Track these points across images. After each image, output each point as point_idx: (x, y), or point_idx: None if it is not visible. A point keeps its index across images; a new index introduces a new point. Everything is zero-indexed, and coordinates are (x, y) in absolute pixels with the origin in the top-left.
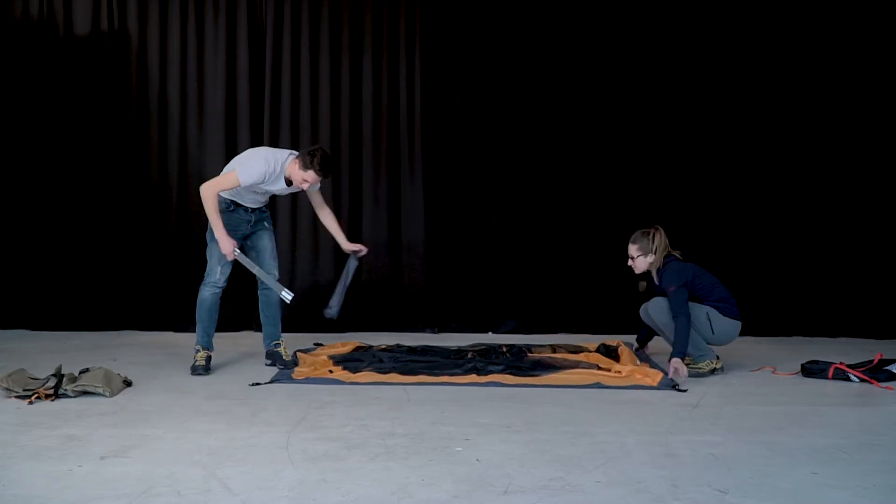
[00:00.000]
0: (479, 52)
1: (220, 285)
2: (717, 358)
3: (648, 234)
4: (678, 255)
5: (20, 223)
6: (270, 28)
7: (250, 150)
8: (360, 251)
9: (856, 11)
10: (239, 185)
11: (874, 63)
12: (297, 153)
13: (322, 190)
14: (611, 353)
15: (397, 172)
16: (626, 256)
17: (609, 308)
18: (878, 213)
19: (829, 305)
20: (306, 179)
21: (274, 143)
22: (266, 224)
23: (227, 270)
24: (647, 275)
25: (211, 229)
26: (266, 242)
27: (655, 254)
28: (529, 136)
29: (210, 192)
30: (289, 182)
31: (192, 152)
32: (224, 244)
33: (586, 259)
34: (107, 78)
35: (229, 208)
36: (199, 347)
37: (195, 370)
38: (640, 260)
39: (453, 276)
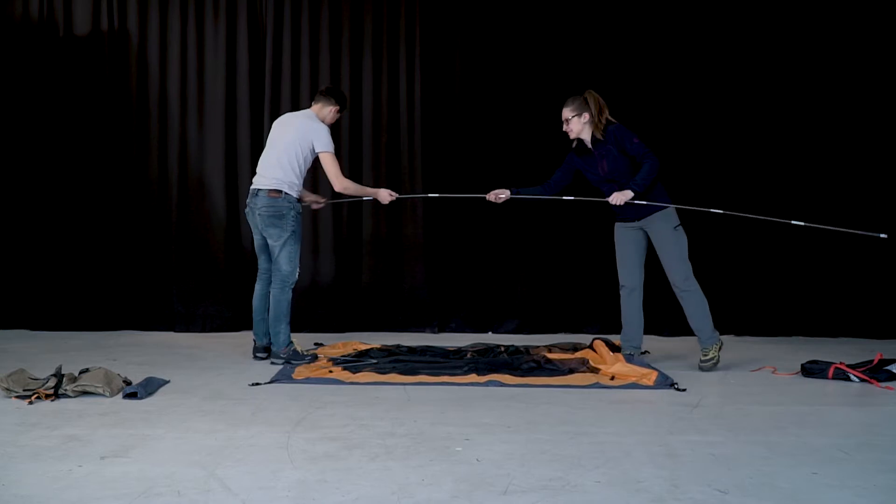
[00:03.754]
0: (479, 51)
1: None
2: (718, 335)
3: (581, 97)
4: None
5: (20, 223)
6: (270, 28)
7: (297, 123)
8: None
9: (856, 11)
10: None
11: (874, 63)
12: (310, 109)
13: (322, 190)
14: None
15: (397, 172)
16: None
17: (609, 308)
18: (878, 213)
19: (829, 305)
20: (339, 113)
21: None
22: None
23: None
24: (579, 141)
25: (285, 237)
26: None
27: (592, 113)
28: (530, 136)
29: (345, 182)
30: None
31: (192, 152)
32: (383, 194)
33: (587, 259)
34: (107, 78)
35: (301, 212)
36: (291, 342)
37: (302, 357)
38: (575, 121)
39: (453, 276)
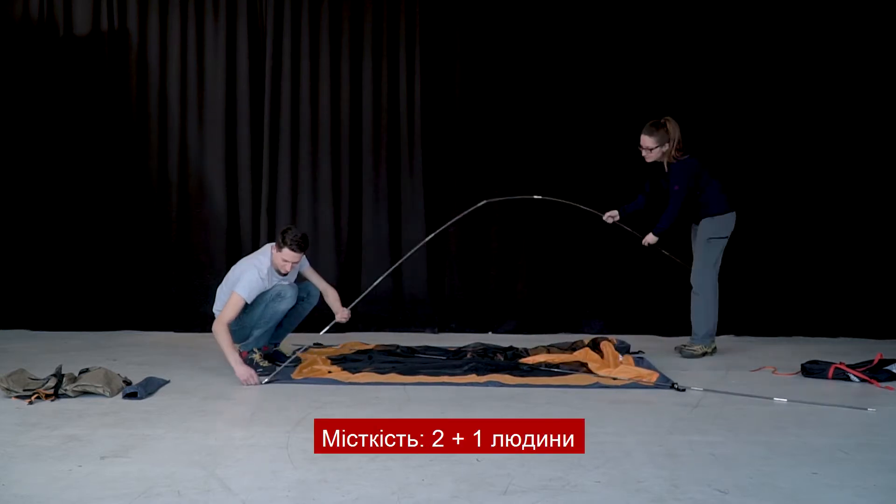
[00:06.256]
0: (479, 52)
1: None
2: (713, 341)
3: (661, 125)
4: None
5: (20, 223)
6: (270, 28)
7: (236, 266)
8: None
9: (856, 11)
10: (246, 304)
11: (874, 63)
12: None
13: (323, 191)
14: (597, 347)
15: (397, 172)
16: (625, 255)
17: (609, 308)
18: (878, 214)
19: (829, 305)
20: (286, 260)
21: (274, 144)
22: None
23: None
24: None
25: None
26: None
27: (671, 145)
28: (529, 136)
29: (221, 328)
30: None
31: (192, 152)
32: (241, 372)
33: (586, 258)
34: (107, 78)
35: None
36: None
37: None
38: (657, 151)
39: (453, 277)
